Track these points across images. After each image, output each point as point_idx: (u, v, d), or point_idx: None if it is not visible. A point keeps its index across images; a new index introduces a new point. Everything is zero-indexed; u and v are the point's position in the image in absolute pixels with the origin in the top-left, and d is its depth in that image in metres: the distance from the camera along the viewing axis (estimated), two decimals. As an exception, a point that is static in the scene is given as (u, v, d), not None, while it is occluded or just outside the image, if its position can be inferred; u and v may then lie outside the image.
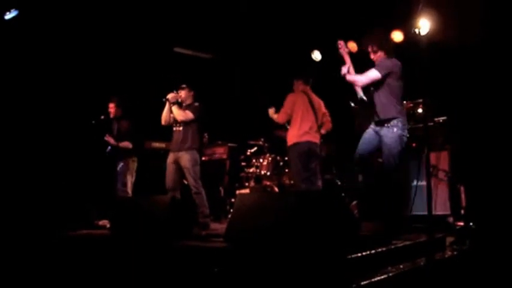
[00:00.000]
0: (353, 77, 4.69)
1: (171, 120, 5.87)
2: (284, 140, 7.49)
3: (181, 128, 5.76)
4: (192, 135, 5.74)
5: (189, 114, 5.72)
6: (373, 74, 4.55)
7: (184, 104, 5.91)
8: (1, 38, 6.74)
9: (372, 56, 4.74)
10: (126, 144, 6.60)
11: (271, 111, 6.10)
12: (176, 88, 5.91)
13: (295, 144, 5.77)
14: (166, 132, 6.18)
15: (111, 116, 6.72)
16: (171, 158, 5.75)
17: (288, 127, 6.04)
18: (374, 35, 4.75)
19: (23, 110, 7.02)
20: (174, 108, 5.72)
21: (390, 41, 4.79)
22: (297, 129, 5.81)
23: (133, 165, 6.66)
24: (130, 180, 6.57)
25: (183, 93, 5.89)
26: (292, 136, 5.83)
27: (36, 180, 6.88)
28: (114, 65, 7.62)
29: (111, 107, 6.71)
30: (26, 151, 6.97)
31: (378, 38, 4.73)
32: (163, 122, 5.89)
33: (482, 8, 5.78)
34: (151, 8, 7.01)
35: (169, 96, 5.78)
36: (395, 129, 4.46)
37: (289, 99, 5.94)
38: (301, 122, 5.82)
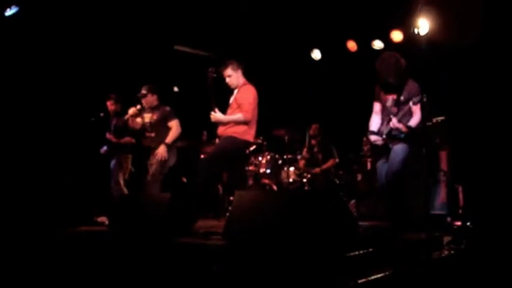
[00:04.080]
0: (413, 123, 4.43)
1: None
2: (282, 139, 7.51)
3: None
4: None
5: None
6: (420, 107, 4.40)
7: (150, 108, 6.05)
8: (0, 35, 6.74)
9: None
10: (128, 139, 6.59)
11: (216, 115, 5.17)
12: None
13: (245, 142, 5.13)
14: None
15: (110, 113, 6.70)
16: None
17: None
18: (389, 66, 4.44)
19: (22, 107, 7.02)
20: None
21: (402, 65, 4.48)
22: (253, 126, 5.12)
23: (127, 162, 6.61)
24: (122, 177, 6.51)
25: (147, 98, 6.03)
26: (250, 135, 5.11)
27: (35, 178, 6.89)
28: (113, 63, 7.62)
29: (110, 104, 6.70)
30: (25, 149, 6.97)
31: (393, 67, 4.44)
32: None
33: (482, 8, 5.80)
34: (151, 5, 7.01)
35: (130, 111, 6.01)
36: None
37: (252, 92, 5.12)
38: (254, 119, 5.13)
